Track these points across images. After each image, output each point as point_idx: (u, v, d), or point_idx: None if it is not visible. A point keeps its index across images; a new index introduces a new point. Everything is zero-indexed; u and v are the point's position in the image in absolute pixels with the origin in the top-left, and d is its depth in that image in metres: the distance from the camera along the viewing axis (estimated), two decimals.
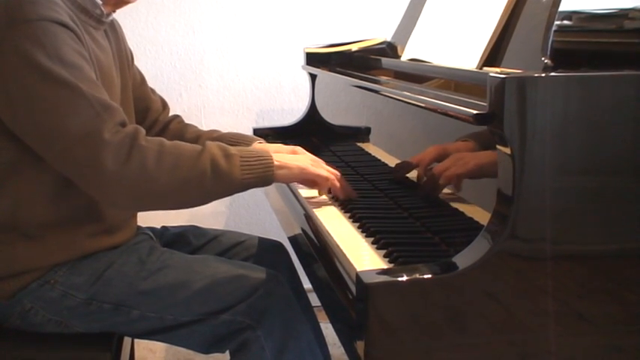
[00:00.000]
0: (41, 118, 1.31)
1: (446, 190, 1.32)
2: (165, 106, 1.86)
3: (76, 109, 1.30)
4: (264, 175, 1.42)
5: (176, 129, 1.81)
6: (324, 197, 1.61)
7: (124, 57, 1.65)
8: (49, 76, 1.29)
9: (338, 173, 1.54)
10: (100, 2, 1.49)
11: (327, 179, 1.51)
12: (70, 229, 1.45)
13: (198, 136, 1.78)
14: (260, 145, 1.64)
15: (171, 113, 1.90)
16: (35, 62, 1.29)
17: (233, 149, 1.41)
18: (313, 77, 2.24)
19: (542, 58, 1.23)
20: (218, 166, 1.36)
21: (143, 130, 1.36)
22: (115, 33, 1.64)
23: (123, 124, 1.35)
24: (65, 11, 1.37)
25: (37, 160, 1.38)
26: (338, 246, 1.28)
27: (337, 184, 1.52)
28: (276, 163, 1.44)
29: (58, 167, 1.36)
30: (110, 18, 1.56)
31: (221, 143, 1.42)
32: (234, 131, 1.86)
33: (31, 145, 1.35)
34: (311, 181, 1.54)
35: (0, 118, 1.35)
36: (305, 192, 1.68)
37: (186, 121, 1.89)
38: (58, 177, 1.40)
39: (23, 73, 1.29)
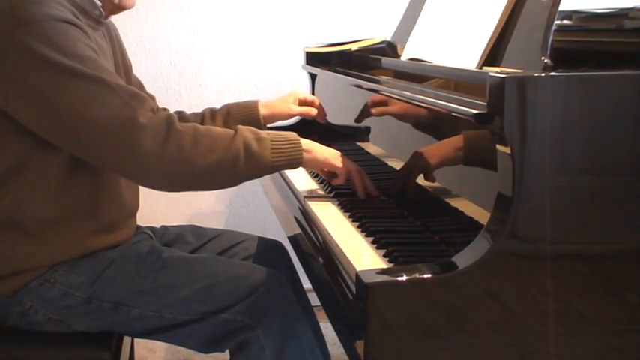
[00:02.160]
0: (69, 113, 1.32)
1: (443, 187, 1.33)
2: (157, 108, 1.89)
3: (104, 99, 1.32)
4: (293, 159, 1.46)
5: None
6: (321, 192, 1.62)
7: (119, 60, 1.66)
8: (69, 72, 1.31)
9: (360, 169, 1.57)
10: (100, 4, 1.49)
11: (348, 171, 1.55)
12: (71, 227, 1.45)
13: (201, 116, 1.84)
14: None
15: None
16: (51, 61, 1.30)
17: (263, 133, 1.44)
18: (313, 77, 2.24)
19: (542, 58, 1.23)
20: (250, 149, 1.40)
21: (176, 116, 1.39)
22: (111, 36, 1.65)
23: (153, 111, 1.37)
24: (69, 9, 1.38)
25: (41, 158, 1.39)
26: (338, 245, 1.28)
27: (358, 177, 1.55)
28: (304, 147, 1.48)
29: (91, 158, 1.38)
30: (108, 19, 1.57)
31: (251, 127, 1.46)
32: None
33: (55, 141, 1.37)
34: (331, 172, 1.57)
35: (11, 117, 1.35)
36: (302, 186, 1.70)
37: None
38: (61, 174, 1.41)
39: (41, 73, 1.30)
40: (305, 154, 1.48)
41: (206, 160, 1.36)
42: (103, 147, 1.34)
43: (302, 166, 1.51)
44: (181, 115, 1.85)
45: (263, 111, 1.87)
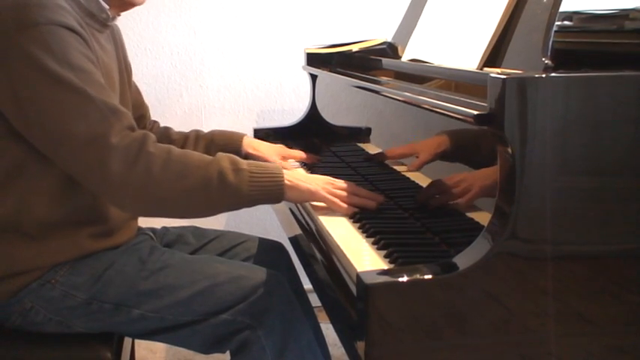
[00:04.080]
0: (50, 121, 1.32)
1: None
2: (149, 119, 1.92)
3: (84, 113, 1.31)
4: (273, 192, 1.40)
5: (159, 132, 1.87)
6: None
7: (122, 64, 1.66)
8: (57, 80, 1.30)
9: (349, 186, 1.48)
10: (107, 7, 1.49)
11: (337, 207, 1.45)
12: (72, 230, 1.45)
13: (185, 137, 1.82)
14: (275, 165, 1.52)
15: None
16: (44, 67, 1.30)
17: (244, 163, 1.40)
18: (314, 77, 2.24)
19: (543, 59, 1.23)
20: (225, 179, 1.36)
21: (153, 137, 1.37)
22: (115, 39, 1.65)
23: (131, 129, 1.36)
24: (72, 15, 1.38)
25: (41, 161, 1.39)
26: (338, 246, 1.28)
27: (347, 211, 1.44)
28: (287, 182, 1.42)
29: (66, 169, 1.38)
30: (114, 21, 1.57)
31: (233, 156, 1.41)
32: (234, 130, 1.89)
33: (38, 147, 1.37)
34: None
35: (8, 119, 1.36)
36: None
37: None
38: (62, 178, 1.41)
39: (32, 77, 1.30)
40: (287, 190, 1.42)
41: (176, 186, 1.33)
42: (74, 161, 1.34)
43: (285, 200, 1.45)
44: (167, 133, 1.85)
45: (246, 148, 1.86)
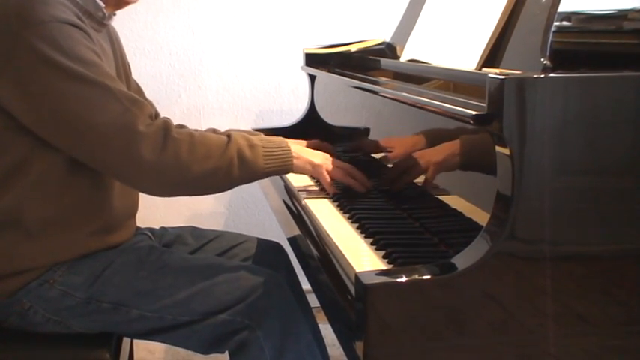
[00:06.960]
0: (71, 116, 1.33)
1: (441, 185, 1.33)
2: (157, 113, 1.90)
3: (105, 104, 1.34)
4: (283, 165, 1.50)
5: None
6: (314, 187, 1.68)
7: (120, 63, 1.66)
8: (72, 75, 1.32)
9: (347, 169, 1.60)
10: (103, 5, 1.50)
11: (329, 187, 1.58)
12: (71, 226, 1.45)
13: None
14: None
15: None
16: (56, 63, 1.31)
17: (255, 139, 1.47)
18: (312, 78, 2.24)
19: (542, 59, 1.23)
20: (244, 156, 1.43)
21: (173, 123, 1.41)
22: (112, 39, 1.65)
23: (152, 117, 1.39)
24: (73, 12, 1.38)
25: (45, 157, 1.40)
26: (337, 247, 1.28)
27: (332, 191, 1.59)
28: (293, 153, 1.51)
29: (89, 161, 1.39)
30: (111, 20, 1.58)
31: (244, 133, 1.49)
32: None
33: (54, 142, 1.37)
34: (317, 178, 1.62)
35: (15, 117, 1.36)
36: (301, 186, 1.71)
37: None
38: (62, 173, 1.42)
39: (45, 74, 1.31)
40: (295, 160, 1.51)
41: (202, 168, 1.39)
42: (102, 152, 1.36)
43: (292, 172, 1.53)
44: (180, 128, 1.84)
45: None
